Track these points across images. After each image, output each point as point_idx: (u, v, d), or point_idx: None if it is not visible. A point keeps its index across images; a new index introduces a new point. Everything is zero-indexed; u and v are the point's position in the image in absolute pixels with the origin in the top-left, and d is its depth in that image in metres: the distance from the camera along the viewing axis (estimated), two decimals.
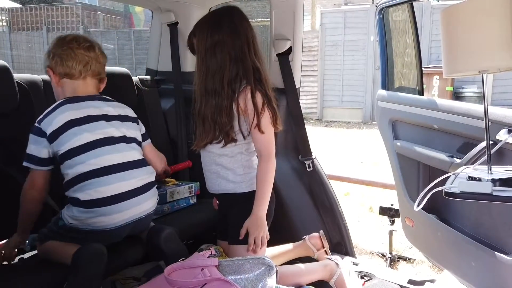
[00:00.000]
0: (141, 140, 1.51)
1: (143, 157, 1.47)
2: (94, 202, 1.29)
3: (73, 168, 1.31)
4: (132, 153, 1.41)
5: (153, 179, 1.46)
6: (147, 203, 1.42)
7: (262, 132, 1.39)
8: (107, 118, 1.40)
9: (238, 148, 1.47)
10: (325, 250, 1.75)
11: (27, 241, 1.44)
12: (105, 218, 1.30)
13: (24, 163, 1.34)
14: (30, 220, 1.37)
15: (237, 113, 1.40)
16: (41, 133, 1.32)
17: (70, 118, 1.33)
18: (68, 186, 1.33)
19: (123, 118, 1.46)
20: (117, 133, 1.39)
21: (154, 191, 1.46)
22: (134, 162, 1.40)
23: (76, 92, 1.41)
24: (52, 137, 1.31)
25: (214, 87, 1.40)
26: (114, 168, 1.33)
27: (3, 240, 1.43)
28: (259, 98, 1.38)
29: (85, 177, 1.30)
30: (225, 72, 1.39)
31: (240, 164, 1.48)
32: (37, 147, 1.33)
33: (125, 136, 1.42)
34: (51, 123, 1.32)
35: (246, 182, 1.49)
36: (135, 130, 1.49)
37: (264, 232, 1.40)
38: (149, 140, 1.58)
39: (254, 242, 1.39)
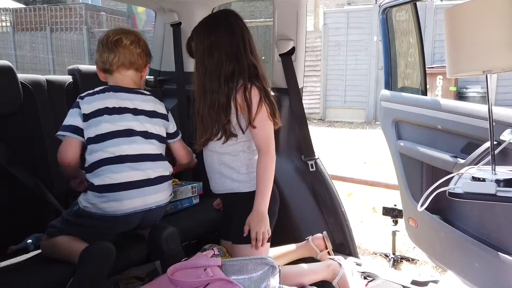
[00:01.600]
0: (165, 136, 1.53)
1: (160, 152, 1.48)
2: (107, 187, 1.34)
3: (93, 154, 1.37)
4: (149, 147, 1.44)
5: (167, 173, 1.47)
6: (158, 195, 1.43)
7: (260, 127, 1.42)
8: (135, 112, 1.45)
9: (240, 147, 1.49)
10: (328, 251, 1.75)
11: (30, 241, 1.44)
12: (115, 204, 1.33)
13: (58, 133, 1.39)
14: (75, 174, 1.46)
15: (235, 109, 1.43)
16: (78, 107, 1.40)
17: (106, 106, 1.41)
18: (87, 171, 1.38)
19: (151, 114, 1.49)
20: (139, 127, 1.43)
21: (167, 185, 1.47)
22: (150, 155, 1.43)
23: (116, 82, 1.49)
24: (86, 117, 1.39)
25: (211, 86, 1.45)
26: (128, 158, 1.38)
27: (8, 244, 1.44)
28: (256, 93, 1.42)
29: (100, 163, 1.35)
30: (221, 70, 1.43)
31: (243, 163, 1.50)
32: (72, 119, 1.40)
33: (146, 131, 1.45)
34: (89, 104, 1.40)
35: (250, 181, 1.49)
36: (161, 127, 1.51)
37: (265, 228, 1.41)
38: (179, 137, 1.61)
39: (256, 238, 1.40)
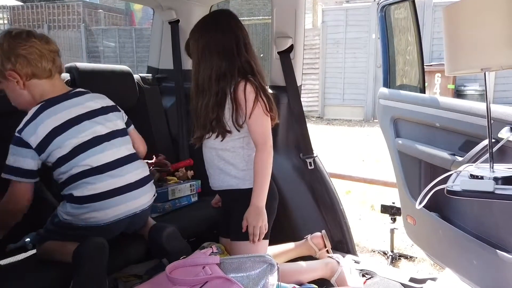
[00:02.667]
0: (125, 127, 1.48)
1: (133, 152, 1.46)
2: (87, 198, 1.29)
3: (66, 172, 1.30)
4: (121, 150, 1.40)
5: (147, 173, 1.45)
6: (142, 198, 1.40)
7: (256, 123, 1.44)
8: (90, 115, 1.36)
9: (239, 143, 1.49)
10: (327, 250, 1.75)
11: (28, 240, 1.43)
12: (98, 214, 1.29)
13: (4, 175, 1.27)
14: (10, 226, 1.33)
15: (231, 106, 1.44)
16: (23, 143, 1.26)
17: (53, 127, 1.29)
18: (63, 186, 1.33)
19: (105, 110, 1.42)
20: (104, 130, 1.37)
21: (149, 187, 1.45)
22: (125, 158, 1.40)
23: (44, 93, 1.34)
24: (39, 149, 1.28)
25: (204, 84, 1.47)
26: (106, 167, 1.33)
27: (6, 243, 1.43)
28: (251, 90, 1.43)
29: (78, 177, 1.30)
30: (213, 69, 1.45)
31: (242, 159, 1.50)
32: (20, 159, 1.27)
33: (112, 131, 1.40)
34: (33, 134, 1.27)
35: (249, 178, 1.50)
36: (119, 119, 1.45)
37: (263, 222, 1.42)
38: (132, 126, 1.56)
39: (254, 233, 1.42)
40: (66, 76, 1.81)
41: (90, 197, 1.29)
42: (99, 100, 1.44)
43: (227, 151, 1.50)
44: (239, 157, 1.50)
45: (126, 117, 1.53)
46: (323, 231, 1.78)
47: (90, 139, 1.33)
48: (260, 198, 1.43)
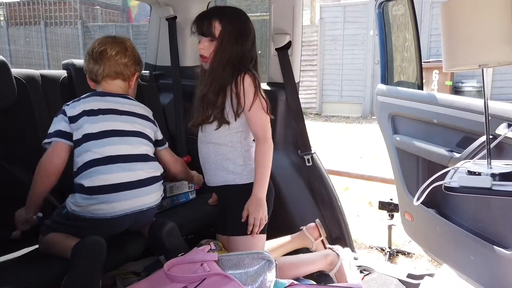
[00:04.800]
0: (153, 139, 1.53)
1: (151, 155, 1.48)
2: (96, 189, 1.31)
3: (81, 155, 1.35)
4: (141, 147, 1.43)
5: (158, 174, 1.46)
6: (149, 197, 1.41)
7: (256, 114, 1.46)
8: (121, 112, 1.45)
9: (237, 137, 1.50)
10: (322, 240, 1.76)
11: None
12: (105, 206, 1.31)
13: (44, 142, 1.38)
14: (42, 197, 1.39)
15: (231, 95, 1.46)
16: (62, 112, 1.41)
17: (91, 108, 1.41)
18: (76, 174, 1.36)
19: (142, 116, 1.50)
20: (129, 127, 1.43)
21: (158, 186, 1.46)
22: (141, 156, 1.42)
23: (103, 89, 1.50)
24: (72, 120, 1.39)
25: (219, 69, 1.48)
26: (119, 159, 1.36)
27: (2, 238, 1.43)
28: (252, 82, 1.46)
29: (90, 164, 1.33)
30: (232, 56, 1.47)
31: (239, 154, 1.51)
32: (57, 124, 1.39)
33: (138, 131, 1.45)
34: (74, 108, 1.40)
35: (247, 174, 1.51)
36: (151, 130, 1.51)
37: (263, 214, 1.45)
38: (166, 145, 1.61)
39: (254, 224, 1.44)
40: (63, 73, 1.81)
41: (100, 188, 1.31)
42: (140, 109, 1.52)
43: (224, 146, 1.50)
44: (236, 152, 1.51)
45: (161, 137, 1.58)
46: (317, 220, 1.80)
47: (114, 130, 1.40)
48: (262, 190, 1.45)
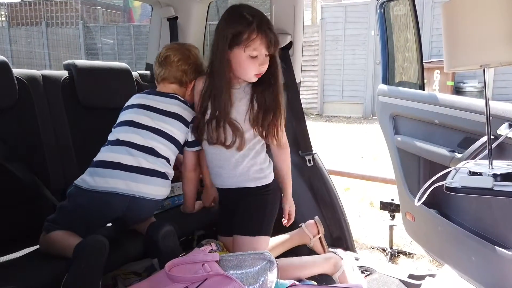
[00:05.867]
0: (181, 142, 1.55)
1: (166, 154, 1.49)
2: (98, 163, 1.42)
3: (107, 141, 1.49)
4: (151, 142, 1.46)
5: (164, 170, 1.47)
6: (147, 186, 1.42)
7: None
8: (156, 110, 1.52)
9: (259, 142, 1.54)
10: (320, 237, 1.78)
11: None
12: (99, 179, 1.37)
13: None
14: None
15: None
16: None
17: (132, 102, 1.56)
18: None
19: (171, 115, 1.53)
20: (149, 123, 1.49)
21: (161, 181, 1.46)
22: (147, 148, 1.45)
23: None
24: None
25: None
26: (126, 144, 1.44)
27: (4, 240, 1.43)
28: None
29: (106, 144, 1.47)
30: None
31: (261, 158, 1.54)
32: None
33: (156, 128, 1.49)
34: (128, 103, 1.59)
35: (261, 177, 1.54)
36: (180, 131, 1.53)
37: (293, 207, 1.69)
38: (196, 148, 1.60)
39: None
40: (64, 73, 1.81)
41: (100, 162, 1.42)
42: (177, 107, 1.55)
43: (247, 150, 1.50)
44: (259, 156, 1.53)
45: (193, 139, 1.57)
46: (316, 217, 1.81)
47: (130, 120, 1.49)
48: (291, 189, 1.66)
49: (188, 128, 1.56)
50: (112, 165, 1.40)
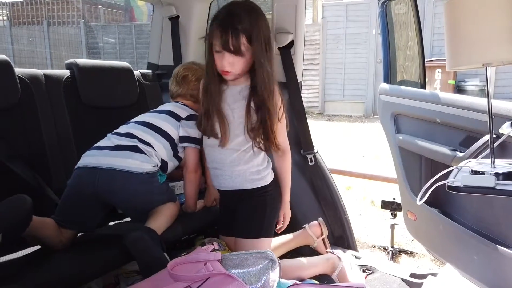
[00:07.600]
0: (173, 137, 1.60)
1: (145, 138, 1.54)
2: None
3: None
4: (135, 131, 1.55)
5: (143, 148, 1.50)
6: (116, 159, 1.46)
7: (283, 126, 1.51)
8: (158, 111, 1.67)
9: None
10: (324, 238, 1.78)
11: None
12: (80, 161, 1.50)
13: None
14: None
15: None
16: None
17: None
18: None
19: (164, 112, 1.64)
20: (140, 119, 1.62)
21: (136, 155, 1.47)
22: (131, 134, 1.54)
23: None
24: None
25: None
26: (113, 133, 1.56)
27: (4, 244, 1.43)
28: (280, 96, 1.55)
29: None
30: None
31: (262, 160, 1.54)
32: None
33: (145, 121, 1.60)
34: None
35: (260, 179, 1.53)
36: (166, 122, 1.61)
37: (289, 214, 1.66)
38: (186, 144, 1.61)
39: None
40: (66, 72, 1.81)
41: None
42: (178, 109, 1.67)
43: (250, 152, 1.49)
44: (260, 158, 1.52)
45: (185, 134, 1.61)
46: (320, 218, 1.82)
47: (139, 120, 1.62)
48: (289, 195, 1.63)
49: (179, 122, 1.61)
50: (92, 149, 1.52)
